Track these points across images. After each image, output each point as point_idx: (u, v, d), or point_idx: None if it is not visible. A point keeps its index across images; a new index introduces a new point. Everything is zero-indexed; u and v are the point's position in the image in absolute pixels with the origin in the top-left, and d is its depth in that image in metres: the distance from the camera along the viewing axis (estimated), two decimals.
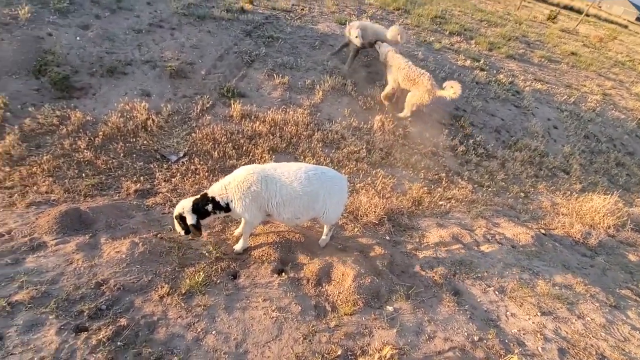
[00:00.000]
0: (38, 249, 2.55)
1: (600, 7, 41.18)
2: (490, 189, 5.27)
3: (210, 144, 4.44)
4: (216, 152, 4.34)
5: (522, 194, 5.40)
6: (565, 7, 27.51)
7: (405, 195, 4.57)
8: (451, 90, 5.29)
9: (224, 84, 5.25)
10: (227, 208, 2.69)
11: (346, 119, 5.49)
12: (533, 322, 2.71)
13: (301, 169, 2.77)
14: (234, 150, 4.43)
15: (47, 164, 3.60)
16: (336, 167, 4.67)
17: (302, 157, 4.64)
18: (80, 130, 4.08)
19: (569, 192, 5.48)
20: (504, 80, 8.00)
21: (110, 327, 2.00)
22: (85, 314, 2.06)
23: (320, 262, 2.84)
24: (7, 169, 3.46)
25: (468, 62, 8.22)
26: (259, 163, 4.27)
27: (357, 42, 5.72)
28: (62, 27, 4.85)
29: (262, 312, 2.31)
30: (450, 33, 10.01)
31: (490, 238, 3.85)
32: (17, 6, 4.71)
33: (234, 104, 4.93)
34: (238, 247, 2.89)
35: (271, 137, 4.76)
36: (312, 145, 4.85)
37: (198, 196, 2.72)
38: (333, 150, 4.94)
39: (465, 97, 7.01)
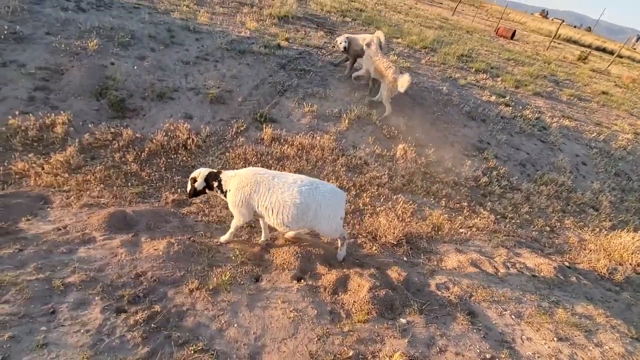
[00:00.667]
0: (89, 242, 2.88)
1: (634, 48, 40.47)
2: (513, 221, 5.23)
3: (242, 163, 4.79)
4: None
5: (548, 228, 5.30)
6: (598, 49, 27.36)
7: (425, 221, 4.65)
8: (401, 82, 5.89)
9: (258, 110, 5.71)
10: (225, 194, 3.07)
11: (370, 146, 5.74)
12: (549, 347, 2.66)
13: (297, 181, 2.96)
14: None
15: (99, 173, 4.05)
16: (358, 191, 4.87)
17: (326, 180, 4.89)
18: (130, 145, 4.56)
19: (597, 229, 5.32)
20: (530, 116, 8.05)
21: (146, 312, 2.23)
22: (125, 298, 2.31)
23: (338, 273, 2.98)
24: (66, 175, 3.93)
25: (493, 98, 8.38)
26: None
27: (341, 47, 6.68)
28: (122, 57, 5.57)
29: (280, 312, 2.47)
30: (476, 70, 10.29)
31: (510, 266, 3.83)
32: (87, 39, 5.49)
33: (265, 128, 5.33)
34: (223, 238, 3.24)
35: (298, 159, 5.07)
36: (336, 169, 5.11)
37: (214, 171, 3.15)
38: (356, 175, 5.17)
39: (490, 130, 7.13)
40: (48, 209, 3.34)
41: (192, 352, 2.05)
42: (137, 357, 1.93)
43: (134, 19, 6.44)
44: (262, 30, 8.11)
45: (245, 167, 4.72)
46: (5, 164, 3.80)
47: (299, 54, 7.51)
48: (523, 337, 2.74)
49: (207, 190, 3.14)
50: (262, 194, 2.90)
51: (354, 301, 2.67)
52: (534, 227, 5.22)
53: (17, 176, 3.76)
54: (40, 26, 5.40)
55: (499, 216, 5.28)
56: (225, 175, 3.12)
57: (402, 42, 10.86)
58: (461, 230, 4.70)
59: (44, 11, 5.67)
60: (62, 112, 4.57)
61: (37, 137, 4.25)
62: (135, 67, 5.51)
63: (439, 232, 4.53)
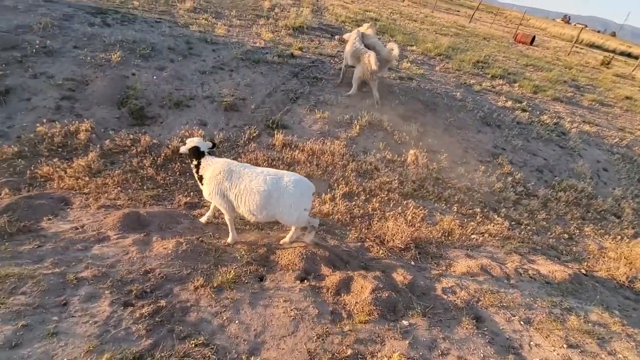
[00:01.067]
0: (103, 241, 3.02)
1: None
2: (529, 228, 5.08)
3: (254, 164, 4.91)
4: None
5: (566, 235, 5.12)
6: (622, 54, 26.39)
7: (435, 226, 4.59)
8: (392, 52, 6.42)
9: (270, 117, 5.84)
10: (200, 180, 3.31)
11: (380, 152, 5.75)
12: (558, 354, 2.55)
13: (264, 172, 3.18)
14: None
15: (117, 177, 4.25)
16: (368, 196, 4.87)
17: (335, 185, 4.92)
18: (147, 151, 4.76)
19: (619, 237, 5.08)
20: (548, 121, 7.85)
21: (152, 306, 2.31)
22: (133, 293, 2.41)
23: (342, 274, 2.99)
24: (87, 178, 4.14)
25: (509, 103, 8.23)
26: None
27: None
28: (143, 68, 5.85)
29: (281, 310, 2.50)
30: (492, 76, 10.16)
31: (522, 272, 3.72)
32: (111, 52, 5.82)
33: (277, 134, 5.45)
34: (229, 240, 3.33)
35: (308, 164, 5.14)
36: (346, 174, 5.14)
37: (202, 149, 3.35)
38: (366, 180, 5.18)
39: (505, 136, 6.99)
40: (68, 210, 3.53)
41: (193, 345, 2.11)
42: (140, 348, 2.01)
43: (155, 33, 6.78)
44: (276, 40, 8.33)
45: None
46: (32, 168, 4.04)
47: (312, 63, 7.66)
48: (531, 343, 2.65)
49: (194, 160, 3.35)
50: (233, 182, 3.11)
51: (356, 302, 2.67)
52: (551, 234, 5.05)
53: (42, 179, 4.00)
54: (68, 40, 5.77)
55: (513, 223, 5.15)
56: (206, 160, 3.30)
57: (416, 50, 10.88)
58: (473, 236, 4.61)
59: (73, 27, 6.07)
60: (85, 119, 4.84)
61: (62, 143, 4.51)
62: (155, 77, 5.78)
63: (450, 238, 4.46)
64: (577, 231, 5.22)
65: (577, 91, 11.00)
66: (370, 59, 6.23)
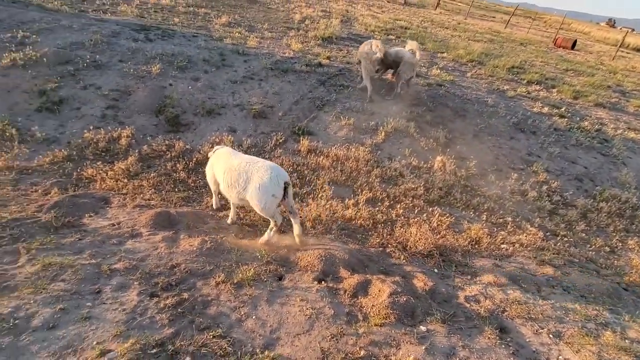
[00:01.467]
0: (136, 237, 3.24)
1: None
2: (566, 239, 4.78)
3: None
4: None
5: (607, 248, 4.76)
6: None
7: (461, 234, 4.45)
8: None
9: (297, 124, 5.99)
10: None
11: (406, 158, 5.69)
12: None
13: (245, 157, 3.55)
14: (298, 180, 4.94)
15: (152, 179, 4.53)
16: (391, 202, 4.82)
17: (359, 190, 4.93)
18: (180, 156, 5.04)
19: None
20: (589, 128, 7.39)
21: (175, 298, 2.45)
22: (159, 285, 2.56)
23: (360, 277, 2.99)
24: (125, 180, 4.45)
25: (546, 109, 7.85)
26: (319, 193, 4.71)
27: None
28: (180, 79, 6.24)
29: (298, 309, 2.54)
30: (528, 82, 9.75)
31: (555, 284, 3.50)
32: (152, 64, 6.27)
33: (302, 140, 5.57)
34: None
35: (332, 170, 5.19)
36: (370, 179, 5.13)
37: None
38: (390, 186, 5.14)
39: (540, 143, 6.67)
40: (107, 208, 3.82)
41: (211, 337, 2.20)
42: (163, 336, 2.13)
43: (192, 46, 7.22)
44: (305, 50, 8.56)
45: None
46: (79, 170, 4.42)
47: (339, 71, 7.78)
48: (560, 357, 2.48)
49: None
50: (220, 164, 3.56)
51: (373, 305, 2.65)
52: (590, 247, 4.72)
53: (86, 180, 4.35)
54: (115, 55, 6.30)
55: (548, 233, 4.87)
56: (214, 149, 3.90)
57: (447, 57, 10.70)
58: (502, 246, 4.41)
59: (119, 42, 6.62)
60: (127, 127, 5.23)
61: (105, 148, 4.90)
62: (190, 87, 6.14)
63: (477, 246, 4.30)
64: (620, 244, 4.83)
65: (622, 97, 10.27)
66: (373, 43, 6.70)
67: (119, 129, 5.19)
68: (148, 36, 7.11)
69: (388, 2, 23.00)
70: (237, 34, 8.70)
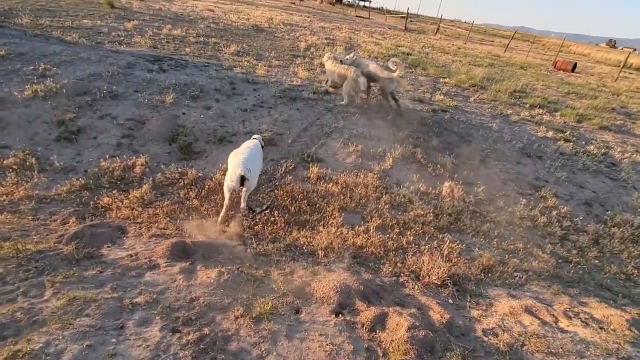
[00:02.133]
0: (154, 268, 3.28)
1: None
2: (579, 266, 4.77)
3: (289, 200, 5.09)
4: (293, 207, 4.95)
5: (623, 275, 4.72)
6: None
7: (474, 262, 4.45)
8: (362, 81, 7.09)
9: (306, 151, 6.11)
10: None
11: (414, 184, 5.76)
12: None
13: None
14: (308, 207, 5.00)
15: (166, 207, 4.61)
16: (402, 229, 4.85)
17: (369, 217, 4.97)
18: (193, 183, 5.14)
19: None
20: (595, 152, 7.47)
21: (197, 333, 2.46)
22: (180, 320, 2.59)
23: (376, 310, 2.99)
24: (140, 209, 4.53)
25: (551, 133, 7.97)
26: (330, 220, 4.77)
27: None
28: (192, 108, 6.44)
29: (317, 344, 2.55)
30: (530, 106, 9.93)
31: (572, 316, 3.47)
32: (165, 94, 6.49)
33: (312, 167, 5.67)
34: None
35: (342, 197, 5.26)
36: (380, 206, 5.19)
37: None
38: (399, 213, 5.18)
39: (547, 167, 6.74)
40: (124, 238, 3.88)
41: None
42: None
43: (203, 75, 7.48)
44: (312, 78, 8.83)
45: (292, 204, 5.03)
46: (95, 199, 4.51)
47: None
48: None
49: None
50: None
51: (392, 340, 2.65)
52: (605, 274, 4.69)
53: (102, 209, 4.44)
54: (130, 85, 6.53)
55: (561, 260, 4.86)
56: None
57: (449, 82, 10.96)
58: (515, 274, 4.40)
59: (135, 73, 6.88)
60: (141, 155, 5.37)
61: (120, 177, 5.01)
62: (202, 116, 6.32)
63: (490, 275, 4.29)
64: (635, 271, 4.80)
65: (627, 118, 10.40)
66: (363, 80, 7.17)
67: (134, 157, 5.33)
68: (162, 67, 7.39)
69: (389, 28, 23.75)
70: (246, 62, 9.01)
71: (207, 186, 5.09)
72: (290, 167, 5.74)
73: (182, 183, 5.11)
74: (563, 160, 7.01)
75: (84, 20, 9.94)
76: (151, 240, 3.90)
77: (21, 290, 2.74)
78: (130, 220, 4.30)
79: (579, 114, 9.67)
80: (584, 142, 7.93)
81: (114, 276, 3.01)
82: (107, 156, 5.23)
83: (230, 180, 4.14)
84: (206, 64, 8.15)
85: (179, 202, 4.80)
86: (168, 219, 4.42)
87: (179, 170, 5.31)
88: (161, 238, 3.97)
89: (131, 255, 3.47)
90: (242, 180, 4.05)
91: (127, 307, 2.63)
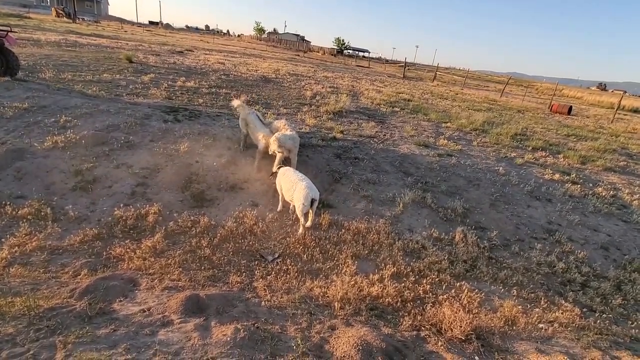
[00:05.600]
0: (167, 325, 3.17)
1: None
2: (605, 315, 4.56)
3: (301, 247, 5.04)
4: (305, 255, 4.88)
5: None
6: None
7: (495, 313, 4.28)
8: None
9: None
10: None
11: (426, 230, 5.72)
12: None
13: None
14: (320, 255, 4.93)
15: (178, 257, 4.55)
16: (417, 277, 4.74)
17: (383, 265, 4.87)
18: (205, 232, 5.12)
19: None
20: (604, 194, 7.48)
21: None
22: None
23: None
24: (152, 259, 4.48)
25: (557, 176, 8.04)
26: (343, 269, 4.68)
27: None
28: (205, 156, 6.60)
29: None
30: (533, 148, 10.12)
31: None
32: (180, 143, 6.69)
33: (322, 214, 5.67)
34: None
35: (354, 244, 5.20)
36: (393, 253, 5.10)
37: None
38: (414, 260, 5.09)
39: (558, 210, 6.71)
40: (136, 291, 3.79)
41: None
42: None
43: (216, 125, 7.76)
44: (319, 125, 9.13)
45: (304, 251, 4.96)
46: (107, 249, 4.48)
47: (353, 144, 8.20)
48: None
49: None
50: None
51: None
52: (632, 324, 4.47)
53: (114, 260, 4.39)
54: (146, 135, 6.77)
55: (585, 309, 4.66)
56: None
57: (451, 126, 11.29)
58: (540, 326, 4.20)
59: (151, 124, 7.15)
60: (154, 203, 5.41)
61: (133, 225, 5.01)
62: (214, 164, 6.46)
63: (514, 327, 4.10)
64: None
65: (629, 159, 10.53)
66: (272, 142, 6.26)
67: (147, 205, 5.37)
68: (177, 117, 7.70)
69: (389, 76, 24.97)
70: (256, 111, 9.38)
71: (219, 234, 5.06)
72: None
73: (194, 231, 5.09)
74: (573, 203, 7.00)
75: (104, 75, 10.56)
76: (164, 293, 3.80)
77: (31, 352, 2.63)
78: (142, 271, 4.23)
79: (582, 156, 9.82)
80: (591, 185, 7.97)
81: (127, 335, 2.89)
82: (121, 205, 5.27)
83: (303, 204, 4.96)
84: (218, 114, 8.49)
85: (190, 251, 4.75)
86: (180, 269, 4.35)
87: (192, 218, 5.32)
88: (174, 291, 3.88)
89: (144, 311, 3.37)
90: (312, 202, 5.02)
91: None
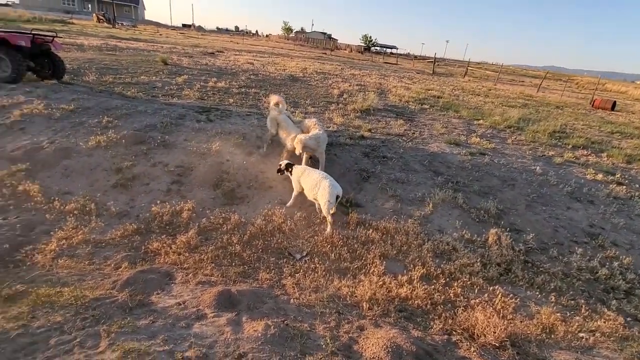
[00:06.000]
0: (201, 319, 3.29)
1: None
2: None
3: (329, 246, 5.06)
4: (333, 254, 4.89)
5: None
6: None
7: (532, 320, 4.10)
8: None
9: (344, 196, 6.14)
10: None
11: (457, 231, 5.56)
12: None
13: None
14: (348, 254, 4.93)
15: (211, 253, 4.70)
16: (447, 279, 4.63)
17: (412, 266, 4.80)
18: (235, 229, 5.26)
19: None
20: None
21: None
22: None
23: None
24: (187, 254, 4.66)
25: (600, 176, 7.55)
26: (371, 269, 4.65)
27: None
28: (236, 154, 6.76)
29: None
30: (573, 147, 9.57)
31: None
32: (212, 142, 6.90)
33: (350, 212, 5.66)
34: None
35: (382, 244, 5.15)
36: (422, 254, 5.01)
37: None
38: (444, 262, 4.97)
39: (601, 213, 6.31)
40: (172, 285, 3.96)
41: None
42: None
43: (246, 124, 7.93)
44: (347, 123, 9.10)
45: (332, 250, 4.98)
46: (145, 244, 4.71)
47: (382, 142, 8.11)
48: None
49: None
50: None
51: None
52: None
53: (152, 254, 4.61)
54: (181, 135, 7.04)
55: (629, 318, 4.37)
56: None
57: (483, 124, 10.89)
58: (581, 335, 3.98)
59: (185, 124, 7.43)
60: (188, 200, 5.62)
61: (169, 222, 5.23)
62: (244, 162, 6.61)
63: (552, 335, 3.91)
64: None
65: None
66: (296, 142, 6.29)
67: (182, 202, 5.59)
68: (209, 117, 7.95)
69: (417, 73, 24.41)
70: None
71: (249, 231, 5.18)
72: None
73: (225, 228, 5.24)
74: (618, 205, 6.55)
75: (142, 77, 11.08)
76: (197, 287, 3.95)
77: (78, 340, 2.82)
78: (177, 265, 4.41)
79: (628, 155, 9.16)
80: (637, 185, 7.42)
81: (165, 327, 3.04)
82: (158, 201, 5.52)
83: (329, 201, 5.13)
84: (248, 113, 8.67)
85: (222, 247, 4.89)
86: (213, 264, 4.50)
87: (223, 215, 5.48)
88: (207, 285, 4.02)
89: (179, 304, 3.52)
90: (336, 198, 5.20)
91: None
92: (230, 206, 5.79)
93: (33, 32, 8.35)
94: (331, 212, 5.26)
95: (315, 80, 14.96)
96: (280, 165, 6.01)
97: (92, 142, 6.32)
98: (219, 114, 8.24)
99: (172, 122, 7.33)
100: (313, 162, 6.62)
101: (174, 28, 68.51)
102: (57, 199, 5.29)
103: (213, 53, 20.58)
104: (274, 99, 7.12)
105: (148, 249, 4.65)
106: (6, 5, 47.30)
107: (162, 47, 21.80)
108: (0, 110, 6.92)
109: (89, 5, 67.64)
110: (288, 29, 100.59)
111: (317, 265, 4.65)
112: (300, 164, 6.23)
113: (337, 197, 5.19)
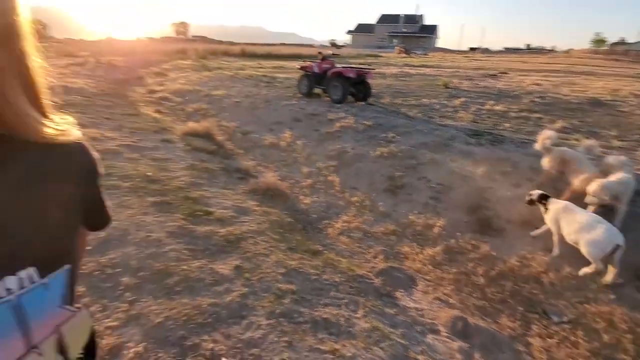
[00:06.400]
0: (435, 333, 3.52)
1: None
2: None
3: (604, 325, 3.90)
4: (608, 337, 3.74)
5: None
6: None
7: None
8: None
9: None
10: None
11: None
12: None
13: None
14: (631, 345, 3.61)
15: (452, 275, 4.80)
16: None
17: None
18: (483, 260, 5.05)
19: None
20: None
21: None
22: None
23: None
24: (430, 267, 4.99)
25: None
26: None
27: None
28: (501, 183, 6.39)
29: None
30: None
31: None
32: (477, 166, 6.84)
33: None
34: None
35: None
36: None
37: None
38: None
39: None
40: (414, 289, 4.42)
41: None
42: None
43: (519, 152, 7.27)
44: None
45: (607, 331, 3.79)
46: (398, 245, 5.44)
47: None
48: None
49: None
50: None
51: None
52: None
53: (401, 256, 5.28)
54: (448, 155, 7.45)
55: None
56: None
57: None
58: None
59: (454, 145, 7.78)
60: (441, 217, 5.94)
61: (420, 232, 5.77)
62: (509, 193, 6.14)
63: None
64: None
65: None
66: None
67: (435, 218, 5.97)
68: (480, 141, 7.89)
69: None
70: (573, 141, 7.87)
71: (497, 268, 4.85)
72: (617, 283, 4.38)
73: (471, 256, 5.16)
74: None
75: (424, 99, 12.44)
76: (435, 302, 4.20)
77: (345, 301, 3.77)
78: (420, 274, 4.84)
79: None
80: None
81: (404, 323, 3.50)
82: (415, 211, 6.19)
83: (599, 248, 4.18)
84: (524, 141, 7.87)
85: (464, 273, 4.87)
86: (453, 287, 4.59)
87: (472, 242, 5.40)
88: (444, 304, 4.19)
89: (418, 310, 3.90)
90: (615, 249, 4.14)
91: (412, 359, 2.98)
92: (482, 235, 5.59)
93: (358, 66, 11.34)
94: (599, 264, 4.21)
95: (630, 106, 11.21)
96: (532, 194, 5.20)
97: (378, 152, 7.87)
98: (491, 138, 7.97)
99: (442, 142, 7.86)
100: (608, 214, 5.18)
101: (459, 52, 70.73)
102: (347, 191, 7.05)
103: (495, 75, 19.68)
104: (545, 134, 6.08)
105: (399, 250, 5.37)
106: (343, 46, 66.99)
107: (445, 71, 23.17)
108: (329, 122, 9.90)
109: (394, 40, 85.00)
110: (600, 41, 79.12)
111: (580, 341, 3.73)
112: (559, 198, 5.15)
113: (616, 247, 4.06)
